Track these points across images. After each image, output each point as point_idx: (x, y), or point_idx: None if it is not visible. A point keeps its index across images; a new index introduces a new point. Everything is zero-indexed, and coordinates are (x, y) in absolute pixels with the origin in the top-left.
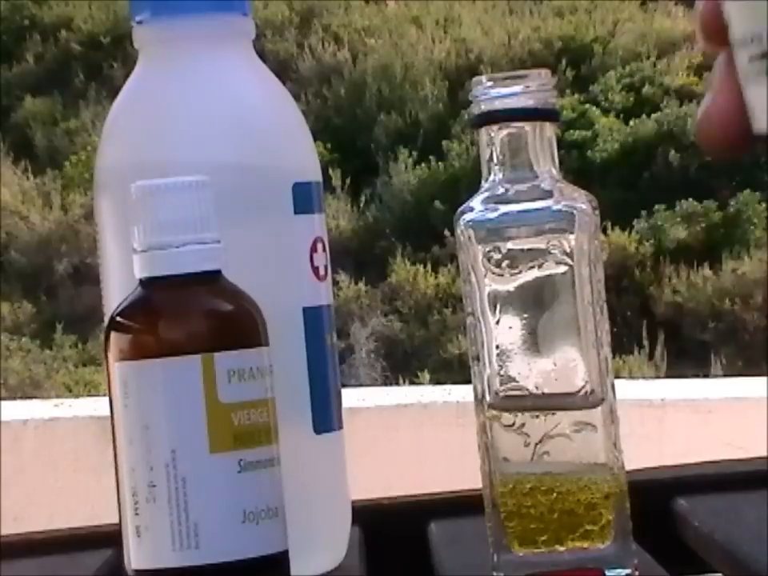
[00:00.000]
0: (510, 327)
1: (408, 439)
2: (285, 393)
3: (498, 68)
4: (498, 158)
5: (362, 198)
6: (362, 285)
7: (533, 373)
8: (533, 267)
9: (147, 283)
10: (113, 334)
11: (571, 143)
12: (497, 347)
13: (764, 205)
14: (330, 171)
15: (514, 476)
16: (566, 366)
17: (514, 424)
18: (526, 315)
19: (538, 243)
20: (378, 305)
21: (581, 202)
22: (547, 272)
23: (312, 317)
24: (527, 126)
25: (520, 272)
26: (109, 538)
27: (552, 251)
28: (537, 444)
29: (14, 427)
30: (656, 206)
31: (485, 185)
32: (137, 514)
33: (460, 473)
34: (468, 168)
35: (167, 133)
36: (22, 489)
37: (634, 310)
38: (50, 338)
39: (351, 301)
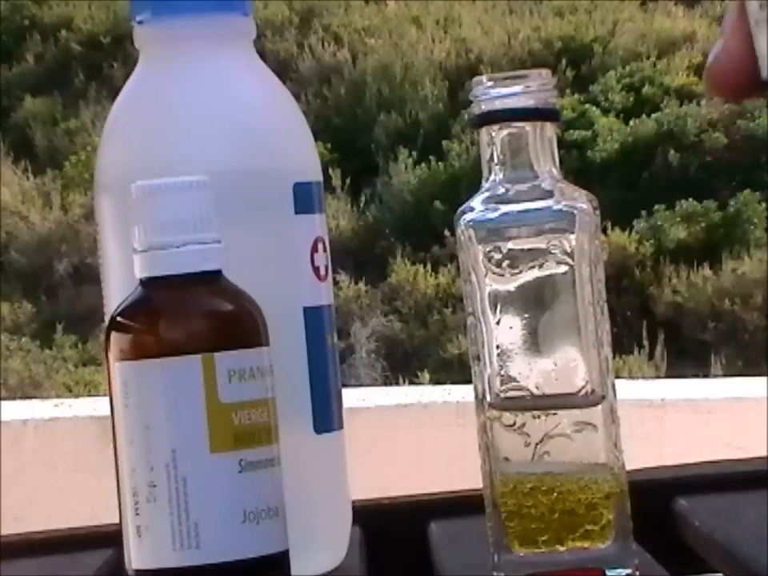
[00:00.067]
0: (511, 327)
1: (408, 439)
2: (285, 393)
3: (498, 68)
4: (498, 157)
5: (362, 198)
6: (362, 285)
7: (533, 373)
8: (533, 267)
9: (147, 283)
10: (113, 334)
11: (571, 143)
12: (497, 347)
13: (764, 205)
14: (330, 171)
15: (514, 476)
16: (567, 365)
17: (514, 424)
18: (526, 315)
19: (539, 243)
20: (378, 305)
21: (581, 201)
22: (548, 272)
23: (312, 317)
24: (528, 126)
25: (520, 272)
26: (109, 538)
27: (552, 251)
28: (537, 444)
29: (14, 427)
30: (656, 206)
31: (485, 185)
32: (137, 514)
33: (460, 473)
34: (468, 168)
35: (168, 133)
36: (22, 489)
37: (633, 310)
38: (50, 338)
39: (351, 301)
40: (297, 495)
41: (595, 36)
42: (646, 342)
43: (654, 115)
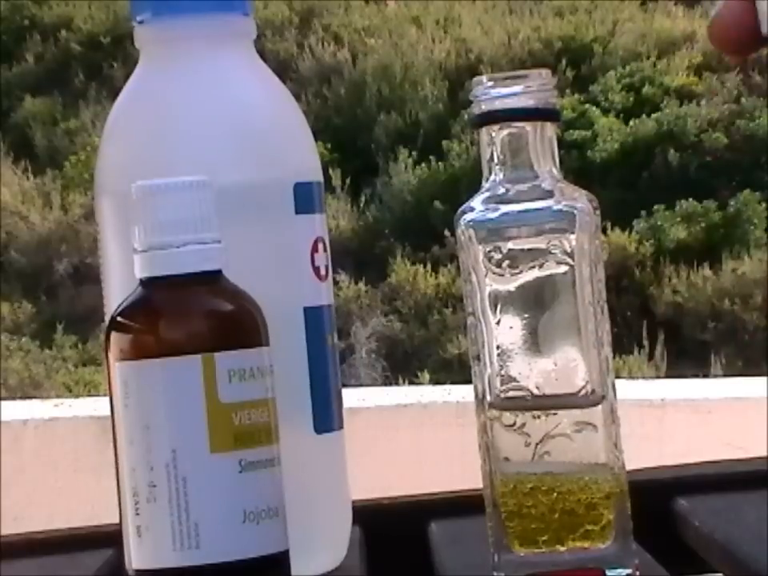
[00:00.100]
0: (511, 327)
1: (408, 439)
2: (285, 393)
3: (498, 68)
4: (498, 157)
5: (362, 198)
6: (362, 285)
7: (533, 373)
8: (533, 267)
9: (147, 283)
10: (113, 334)
11: (571, 143)
12: (497, 347)
13: (764, 205)
14: (330, 171)
15: (514, 476)
16: (567, 365)
17: (514, 424)
18: (526, 315)
19: (539, 243)
20: (378, 305)
21: (581, 201)
22: (548, 272)
23: (313, 317)
24: (528, 126)
25: (521, 272)
26: (109, 538)
27: (552, 251)
28: (537, 444)
29: (14, 427)
30: (656, 206)
31: (485, 185)
32: (137, 514)
33: (460, 473)
34: (468, 168)
35: (168, 133)
36: (22, 489)
37: (634, 310)
38: (50, 338)
39: (351, 301)
40: (297, 495)
41: (595, 36)
42: (645, 342)
43: (653, 115)
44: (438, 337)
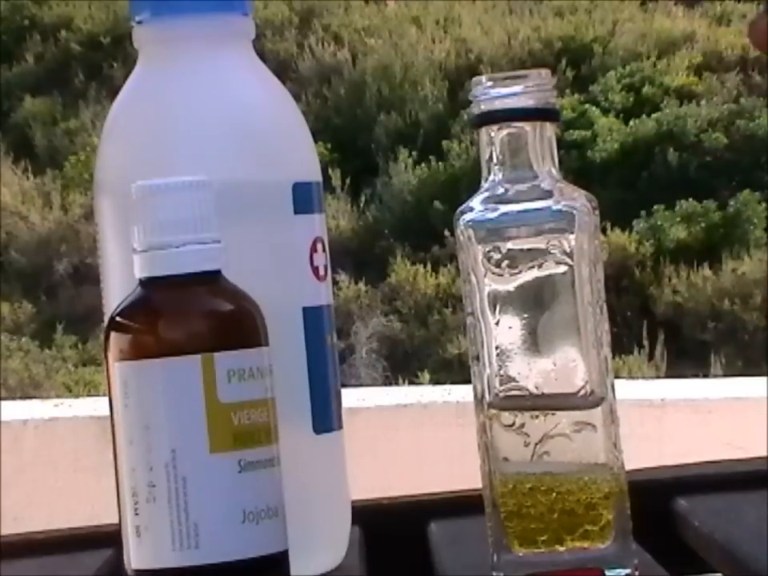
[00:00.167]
0: (510, 327)
1: (408, 439)
2: (285, 393)
3: (498, 68)
4: (497, 158)
5: (362, 198)
6: (361, 285)
7: (533, 373)
8: (533, 267)
9: (147, 283)
10: (113, 334)
11: (571, 143)
12: (497, 347)
13: (764, 205)
14: (330, 171)
15: (513, 476)
16: (566, 365)
17: (513, 424)
18: (525, 315)
19: (538, 243)
20: (377, 305)
21: (581, 201)
22: (547, 272)
23: (312, 317)
24: (527, 126)
25: (520, 272)
26: (109, 538)
27: (552, 251)
28: (537, 444)
29: (14, 427)
30: (655, 206)
31: (485, 185)
32: (137, 514)
33: (460, 473)
34: (468, 168)
35: (167, 133)
36: (22, 489)
37: (634, 310)
38: (50, 338)
39: (351, 301)
40: (297, 495)
41: (595, 36)
42: (645, 342)
43: (653, 115)
44: (437, 337)
